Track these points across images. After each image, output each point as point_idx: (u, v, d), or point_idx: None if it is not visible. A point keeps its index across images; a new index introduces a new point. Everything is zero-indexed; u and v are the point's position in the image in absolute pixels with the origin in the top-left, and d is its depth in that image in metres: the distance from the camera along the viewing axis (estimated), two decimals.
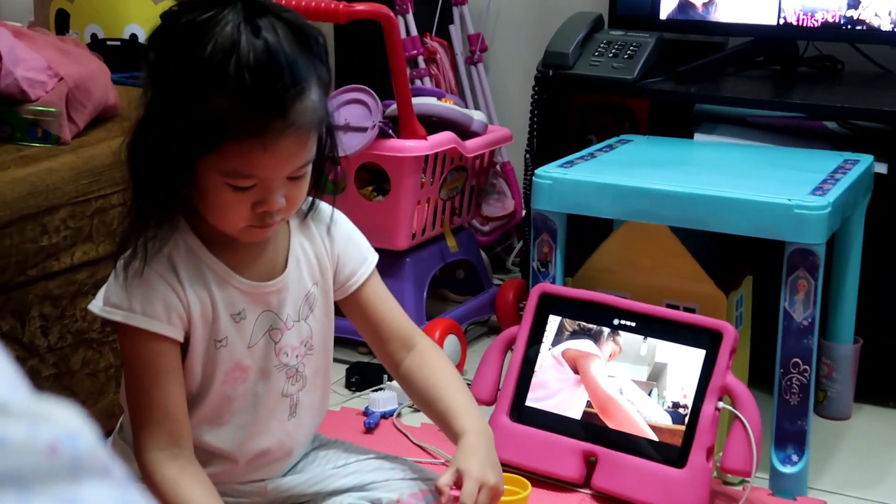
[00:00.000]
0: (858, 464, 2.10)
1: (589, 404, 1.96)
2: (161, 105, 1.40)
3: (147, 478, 1.46)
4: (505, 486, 1.72)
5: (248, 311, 1.52)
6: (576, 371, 1.99)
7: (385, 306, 1.66)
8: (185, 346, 1.49)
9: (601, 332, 2.00)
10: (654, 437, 1.89)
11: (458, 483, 1.48)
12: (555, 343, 2.03)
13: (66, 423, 0.44)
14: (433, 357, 1.66)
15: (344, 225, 1.64)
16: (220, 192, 1.39)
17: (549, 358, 2.02)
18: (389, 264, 2.42)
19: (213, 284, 1.49)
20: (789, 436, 1.96)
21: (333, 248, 1.61)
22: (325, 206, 1.61)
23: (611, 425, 1.93)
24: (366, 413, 2.23)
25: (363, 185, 2.53)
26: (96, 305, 1.48)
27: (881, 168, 2.28)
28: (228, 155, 1.36)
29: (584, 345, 2.00)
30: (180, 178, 1.39)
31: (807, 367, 1.93)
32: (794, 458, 1.96)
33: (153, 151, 1.40)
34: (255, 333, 1.53)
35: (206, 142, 1.36)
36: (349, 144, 2.38)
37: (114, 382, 1.96)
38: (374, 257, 1.66)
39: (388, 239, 2.49)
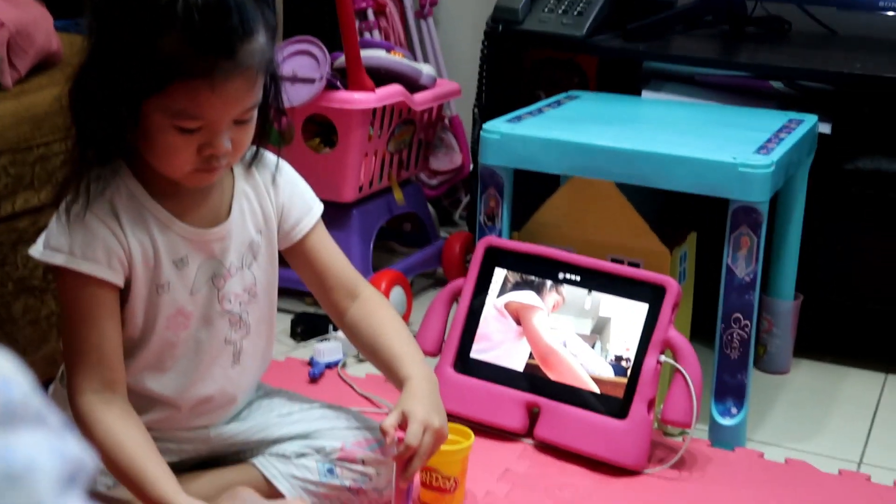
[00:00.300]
0: (796, 417, 2.14)
1: (531, 356, 1.97)
2: (106, 48, 1.38)
3: (80, 421, 1.45)
4: (449, 436, 1.74)
5: (191, 257, 1.52)
6: (518, 323, 2.01)
7: (330, 256, 1.66)
8: (125, 292, 1.48)
9: (545, 285, 2.01)
10: (597, 389, 1.91)
11: (402, 426, 1.50)
12: (499, 295, 2.04)
13: (1, 370, 0.43)
14: (378, 306, 1.66)
15: (289, 174, 1.64)
16: (166, 135, 1.38)
17: (492, 309, 2.03)
18: (336, 216, 2.42)
19: (156, 230, 1.48)
20: (729, 389, 1.99)
21: (278, 197, 1.60)
22: (270, 156, 1.61)
23: (553, 377, 1.95)
24: (310, 363, 2.23)
25: (310, 136, 2.52)
26: (37, 249, 1.47)
27: (825, 128, 2.31)
28: (176, 96, 1.35)
29: (527, 296, 2.01)
30: (125, 122, 1.38)
31: (748, 321, 1.96)
32: (734, 410, 1.99)
33: (97, 95, 1.38)
34: (197, 280, 1.53)
35: (153, 83, 1.35)
36: (297, 96, 2.36)
37: (55, 330, 1.94)
38: (318, 207, 1.66)
39: (335, 191, 2.48)
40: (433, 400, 1.55)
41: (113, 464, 1.44)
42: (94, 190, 1.44)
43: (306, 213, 1.63)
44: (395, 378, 1.60)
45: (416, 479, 1.56)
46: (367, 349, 1.66)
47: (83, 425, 1.45)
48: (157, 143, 1.40)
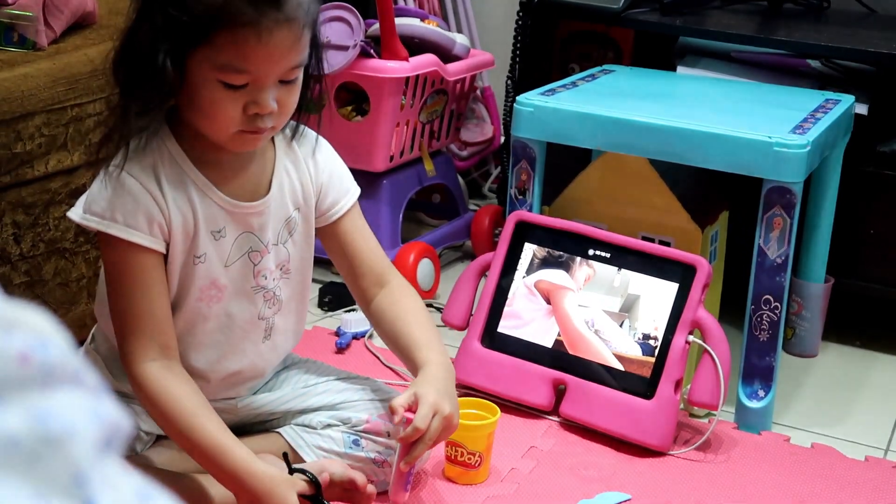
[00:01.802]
0: (823, 401, 2.13)
1: (559, 334, 1.97)
2: (152, 1, 1.37)
3: (140, 388, 1.46)
4: (474, 411, 1.74)
5: (229, 229, 1.51)
6: (548, 302, 2.00)
7: (363, 241, 1.65)
8: (164, 258, 1.48)
9: (575, 262, 2.00)
10: (623, 369, 1.90)
11: (413, 409, 1.48)
12: (528, 272, 2.03)
13: (37, 329, 0.43)
14: (404, 295, 1.65)
15: (329, 153, 1.63)
16: (211, 91, 1.38)
17: (522, 287, 2.02)
18: (367, 186, 2.40)
19: (196, 198, 1.48)
20: (757, 371, 1.98)
21: (318, 175, 1.60)
22: (310, 132, 1.60)
23: (580, 356, 1.94)
24: (338, 333, 2.23)
25: (342, 104, 2.51)
26: (76, 213, 1.46)
27: (861, 109, 2.28)
28: (222, 46, 1.34)
29: (557, 276, 2.00)
30: (170, 76, 1.37)
31: (778, 304, 1.94)
32: (761, 393, 1.98)
33: (144, 47, 1.37)
34: (233, 253, 1.52)
35: (199, 32, 1.34)
36: (331, 62, 2.35)
37: (86, 293, 1.95)
38: (356, 190, 1.65)
39: (365, 160, 2.48)
40: (447, 387, 1.53)
41: (180, 431, 1.45)
42: (135, 149, 1.44)
43: (343, 194, 1.63)
44: (412, 363, 1.59)
45: (417, 463, 1.54)
46: (389, 335, 1.65)
47: (147, 393, 1.45)
48: (202, 100, 1.39)
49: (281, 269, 1.58)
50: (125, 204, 1.43)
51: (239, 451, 1.44)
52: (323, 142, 1.62)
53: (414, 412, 1.48)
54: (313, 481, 1.49)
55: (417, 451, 1.48)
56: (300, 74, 1.44)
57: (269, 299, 1.58)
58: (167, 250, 1.47)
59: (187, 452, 1.47)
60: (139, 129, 1.43)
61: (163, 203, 1.45)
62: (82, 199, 1.47)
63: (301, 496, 1.47)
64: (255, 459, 1.45)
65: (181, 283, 1.50)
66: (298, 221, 1.59)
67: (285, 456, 1.55)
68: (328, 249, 1.67)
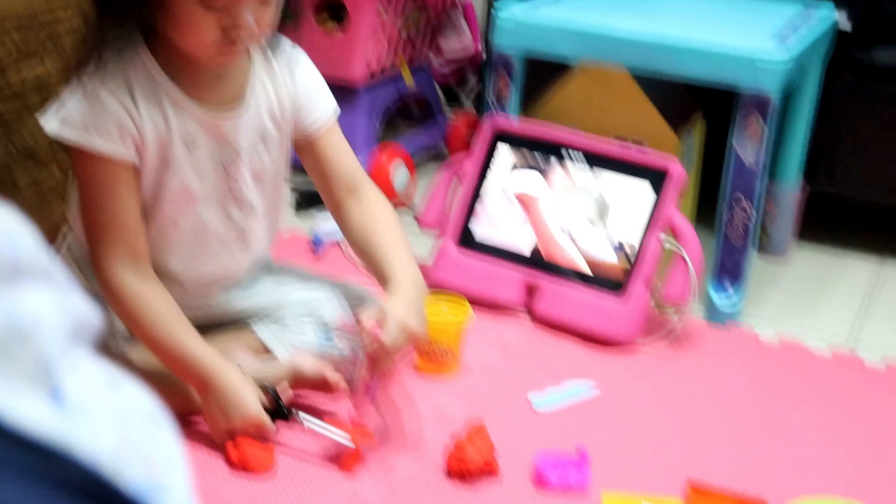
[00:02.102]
0: (792, 300, 2.16)
1: (534, 238, 1.98)
2: None
3: (110, 292, 1.48)
4: (447, 308, 1.77)
5: (202, 139, 1.52)
6: (524, 206, 2.01)
7: (339, 153, 1.65)
8: (136, 168, 1.49)
9: (550, 167, 2.01)
10: (597, 270, 1.93)
11: (381, 323, 1.48)
12: (504, 175, 2.04)
13: (5, 227, 0.44)
14: (376, 205, 1.65)
15: (307, 68, 1.62)
16: (189, 9, 1.37)
17: (497, 191, 2.04)
18: (345, 98, 2.40)
19: (169, 109, 1.48)
20: (728, 270, 2.00)
21: (295, 89, 1.59)
22: (288, 44, 1.59)
23: (555, 260, 1.96)
24: (313, 237, 2.24)
25: (321, 15, 2.50)
26: (50, 125, 1.47)
27: (842, 20, 2.27)
28: None
29: (533, 181, 2.02)
30: None
31: (751, 205, 1.96)
32: (731, 291, 2.00)
33: None
34: (206, 162, 1.53)
35: None
36: None
37: (60, 199, 1.96)
38: (333, 105, 1.64)
39: (344, 72, 2.47)
40: (414, 302, 1.52)
41: (147, 333, 1.47)
42: (109, 61, 1.44)
43: (321, 111, 1.62)
44: (382, 277, 1.59)
45: (382, 376, 1.55)
46: (360, 247, 1.65)
47: (116, 297, 1.48)
48: (179, 18, 1.39)
49: (255, 179, 1.59)
50: (98, 115, 1.43)
51: (205, 352, 1.47)
52: (301, 55, 1.62)
53: (381, 327, 1.48)
54: (274, 397, 1.52)
55: (383, 364, 1.49)
56: None
57: (243, 207, 1.59)
58: (140, 160, 1.48)
59: (155, 354, 1.49)
60: (113, 40, 1.44)
61: (135, 114, 1.45)
62: (54, 109, 1.47)
63: (265, 409, 1.50)
64: (221, 360, 1.48)
65: (154, 192, 1.51)
66: (273, 133, 1.59)
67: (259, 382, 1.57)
68: (304, 161, 1.67)
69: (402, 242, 1.62)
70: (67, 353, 0.43)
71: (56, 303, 0.43)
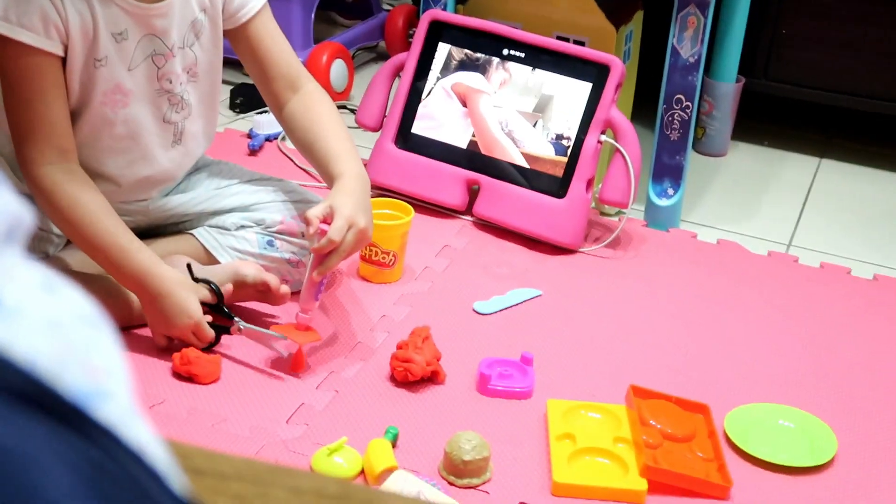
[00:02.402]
0: (730, 199, 2.18)
1: (474, 135, 1.97)
2: None
3: (39, 192, 1.44)
4: (388, 211, 1.75)
5: (131, 31, 1.47)
6: (464, 104, 1.99)
7: (275, 44, 1.61)
8: (63, 63, 1.44)
9: (490, 63, 1.98)
10: (537, 169, 1.92)
11: (328, 220, 1.46)
12: (444, 73, 2.01)
13: None
14: (318, 101, 1.62)
15: None
16: None
17: (438, 89, 2.01)
18: None
19: (96, 0, 1.42)
20: (667, 170, 2.01)
21: None
22: None
23: (495, 157, 1.95)
24: (250, 135, 2.20)
25: None
26: None
27: None
28: None
29: (472, 78, 1.99)
30: None
31: (689, 103, 1.96)
32: (670, 191, 2.01)
33: None
34: (136, 56, 1.48)
35: None
36: None
37: None
38: None
39: None
40: (362, 199, 1.51)
41: (81, 234, 1.44)
42: None
43: None
44: (327, 174, 1.57)
45: (330, 275, 1.54)
46: (303, 144, 1.62)
47: (46, 196, 1.43)
48: None
49: (188, 73, 1.55)
50: (21, 5, 1.38)
51: (141, 253, 1.44)
52: None
53: (329, 224, 1.46)
54: (216, 291, 1.50)
55: (331, 262, 1.46)
56: None
57: (177, 103, 1.55)
58: (65, 53, 1.43)
59: (89, 255, 1.47)
60: None
61: (59, 4, 1.39)
62: None
63: (204, 305, 1.48)
64: (157, 261, 1.46)
65: (83, 88, 1.46)
66: (205, 24, 1.54)
67: (188, 267, 1.54)
68: (238, 53, 1.63)
69: (345, 138, 1.60)
70: (0, 254, 0.41)
71: None
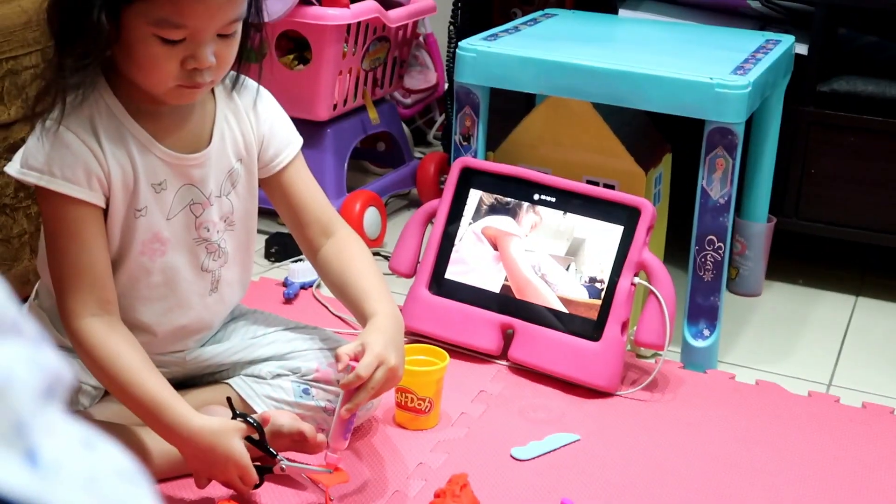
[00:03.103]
0: (767, 339, 2.16)
1: (507, 279, 1.98)
2: None
3: (80, 344, 1.44)
4: (423, 357, 1.75)
5: (170, 182, 1.50)
6: (495, 248, 2.00)
7: (307, 191, 1.64)
8: (104, 213, 1.46)
9: (521, 207, 2.00)
10: (570, 312, 1.92)
11: (359, 357, 1.46)
12: (475, 218, 2.03)
13: None
14: (351, 244, 1.64)
15: (270, 103, 1.61)
16: (148, 46, 1.35)
17: (469, 233, 2.03)
18: (310, 135, 2.39)
19: (135, 151, 1.46)
20: (702, 311, 2.00)
21: (259, 126, 1.58)
22: (251, 82, 1.58)
23: (528, 300, 1.95)
24: (285, 284, 2.22)
25: (284, 53, 2.49)
26: (13, 167, 1.44)
27: (801, 49, 2.29)
28: (158, 2, 1.32)
29: (503, 222, 2.01)
30: (105, 31, 1.35)
31: (721, 244, 1.97)
32: (706, 332, 2.00)
33: (78, 2, 1.34)
34: (174, 205, 1.51)
35: None
36: (271, 10, 2.32)
37: (28, 248, 1.92)
38: (298, 140, 1.64)
39: (308, 109, 2.46)
40: (394, 338, 1.51)
41: (121, 387, 1.43)
42: (72, 103, 1.41)
43: (286, 145, 1.61)
44: (360, 314, 1.57)
45: (360, 412, 1.54)
46: (337, 286, 1.63)
47: (86, 349, 1.44)
48: (139, 55, 1.37)
49: (225, 222, 1.57)
50: (63, 158, 1.41)
51: (179, 407, 1.44)
52: (264, 92, 1.61)
53: (359, 360, 1.46)
54: (256, 426, 1.50)
55: (359, 398, 1.45)
56: (239, 27, 1.42)
57: (214, 252, 1.57)
58: (107, 204, 1.45)
59: (129, 408, 1.46)
60: (75, 83, 1.41)
61: (101, 156, 1.43)
62: (20, 153, 1.45)
63: (247, 441, 1.47)
64: (194, 414, 1.44)
65: (123, 237, 1.49)
66: (241, 173, 1.57)
67: (229, 400, 1.54)
68: (273, 201, 1.66)
69: (379, 279, 1.61)
70: (41, 411, 0.41)
71: (28, 359, 0.42)
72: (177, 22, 1.34)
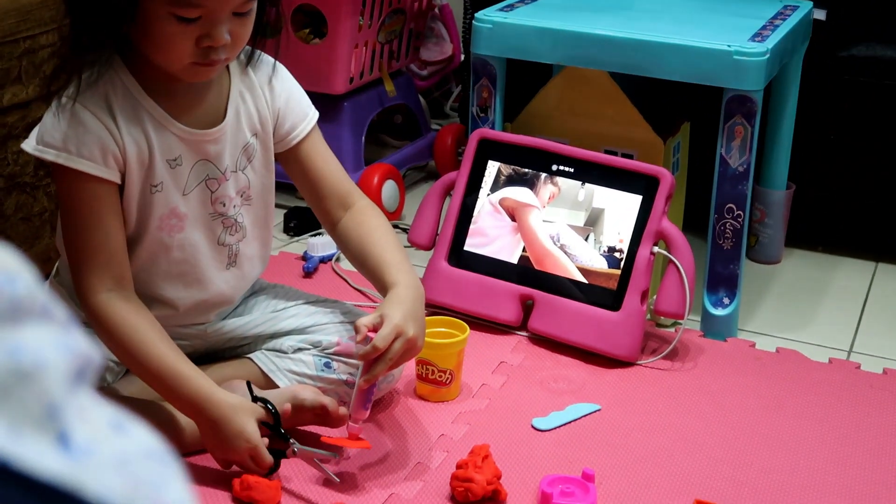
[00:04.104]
0: (787, 306, 2.16)
1: (526, 250, 1.98)
2: None
3: (96, 320, 1.46)
4: (444, 329, 1.76)
5: (185, 157, 1.50)
6: (513, 219, 2.00)
7: (325, 164, 1.64)
8: (119, 190, 1.47)
9: (539, 178, 2.00)
10: (590, 282, 1.92)
11: (378, 328, 1.46)
12: (493, 189, 2.03)
13: (3, 265, 0.43)
14: (370, 216, 1.64)
15: (285, 78, 1.61)
16: (164, 24, 1.36)
17: (487, 205, 2.02)
18: (327, 109, 2.39)
19: (151, 128, 1.46)
20: (721, 279, 2.00)
21: (274, 101, 1.58)
22: (266, 58, 1.59)
23: (547, 271, 1.95)
24: (304, 258, 2.23)
25: (299, 27, 2.48)
26: (30, 144, 1.45)
27: (820, 14, 2.28)
28: None
29: (522, 193, 2.01)
30: (122, 8, 1.35)
31: (741, 212, 1.96)
32: (726, 300, 2.00)
33: None
34: (190, 181, 1.52)
35: None
36: None
37: (48, 226, 1.94)
38: (314, 114, 1.64)
39: (325, 83, 2.45)
40: (413, 309, 1.50)
41: (139, 362, 1.45)
42: (88, 80, 1.42)
43: (302, 119, 1.61)
44: (380, 285, 1.57)
45: (380, 383, 1.55)
46: (356, 257, 1.63)
47: (103, 325, 1.45)
48: (155, 33, 1.37)
49: (241, 196, 1.58)
50: (79, 135, 1.41)
51: (197, 379, 1.45)
52: (280, 67, 1.61)
53: (377, 331, 1.46)
54: (273, 412, 1.50)
55: (377, 369, 1.46)
56: (254, 6, 1.42)
57: (231, 226, 1.58)
58: (123, 181, 1.46)
59: (146, 382, 1.48)
60: (90, 60, 1.42)
61: (116, 133, 1.43)
62: (36, 130, 1.45)
63: (261, 424, 1.48)
64: (213, 386, 1.46)
65: (140, 214, 1.49)
66: (257, 148, 1.58)
67: (248, 385, 1.55)
68: (291, 174, 1.66)
69: (398, 249, 1.61)
70: (72, 394, 0.42)
71: (58, 342, 0.42)
72: (193, 0, 1.34)
